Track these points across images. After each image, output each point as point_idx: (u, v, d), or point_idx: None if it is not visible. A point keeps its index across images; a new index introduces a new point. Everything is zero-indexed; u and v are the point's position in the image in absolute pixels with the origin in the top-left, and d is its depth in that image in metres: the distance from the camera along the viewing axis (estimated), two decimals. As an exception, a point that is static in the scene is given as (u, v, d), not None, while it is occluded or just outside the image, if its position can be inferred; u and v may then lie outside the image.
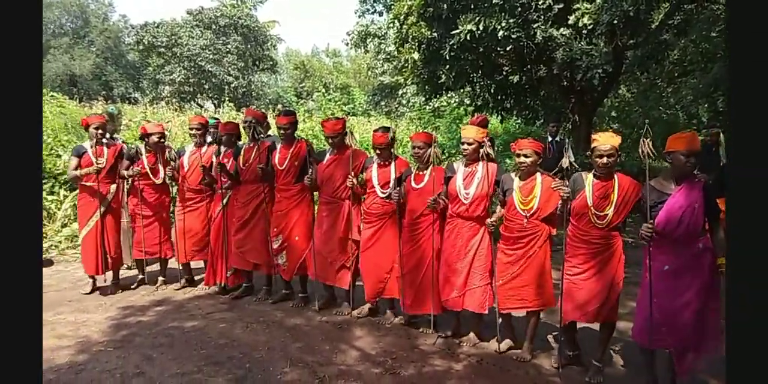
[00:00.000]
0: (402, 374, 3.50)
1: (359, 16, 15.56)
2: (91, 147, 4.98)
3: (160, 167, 5.16)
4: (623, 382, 3.50)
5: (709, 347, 3.10)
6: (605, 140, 3.22)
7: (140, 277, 5.48)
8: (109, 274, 5.23)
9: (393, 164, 4.25)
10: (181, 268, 5.41)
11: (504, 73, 9.38)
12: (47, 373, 3.42)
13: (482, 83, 9.66)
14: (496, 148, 4.15)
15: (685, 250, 3.04)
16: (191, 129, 5.27)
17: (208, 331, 4.20)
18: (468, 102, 12.25)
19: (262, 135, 4.80)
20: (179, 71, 25.28)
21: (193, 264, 5.53)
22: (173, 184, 5.32)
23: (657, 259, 3.09)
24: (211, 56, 25.37)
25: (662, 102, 13.47)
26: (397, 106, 22.00)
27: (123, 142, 5.66)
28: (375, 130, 4.32)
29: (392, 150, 4.33)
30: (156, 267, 5.64)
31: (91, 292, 5.19)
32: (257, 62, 28.13)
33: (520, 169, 3.62)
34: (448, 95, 14.48)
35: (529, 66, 9.07)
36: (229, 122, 5.22)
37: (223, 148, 5.02)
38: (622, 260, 3.39)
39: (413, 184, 4.10)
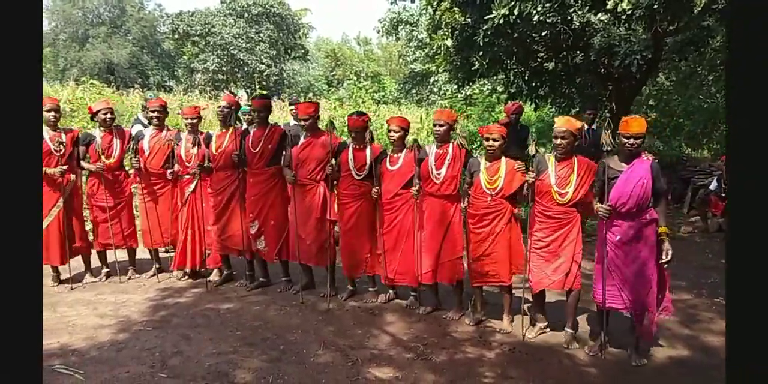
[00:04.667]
0: (434, 360, 3.52)
1: (391, 3, 15.40)
2: (48, 132, 4.70)
3: (116, 146, 4.95)
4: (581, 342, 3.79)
5: (660, 306, 3.55)
6: (560, 123, 3.61)
7: (105, 270, 5.22)
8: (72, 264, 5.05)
9: (368, 148, 4.40)
10: (150, 255, 5.36)
11: (539, 59, 9.19)
12: (91, 350, 3.56)
13: (516, 70, 9.48)
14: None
15: (634, 222, 3.41)
16: (152, 112, 5.11)
17: (243, 313, 4.29)
18: (501, 89, 12.07)
19: (237, 123, 4.90)
20: (213, 60, 25.58)
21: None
22: (136, 167, 5.07)
23: (611, 231, 3.48)
24: (243, 45, 25.57)
25: (703, 90, 13.03)
26: (428, 94, 21.86)
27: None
28: (350, 115, 4.52)
29: (370, 134, 4.47)
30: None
31: (60, 284, 5.02)
32: (289, 50, 28.25)
33: (488, 151, 3.93)
34: (481, 83, 14.31)
35: (565, 52, 8.86)
36: (193, 106, 5.15)
37: (186, 135, 4.99)
38: (581, 233, 3.75)
39: (388, 166, 4.32)
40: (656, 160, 3.52)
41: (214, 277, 5.17)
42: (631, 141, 3.35)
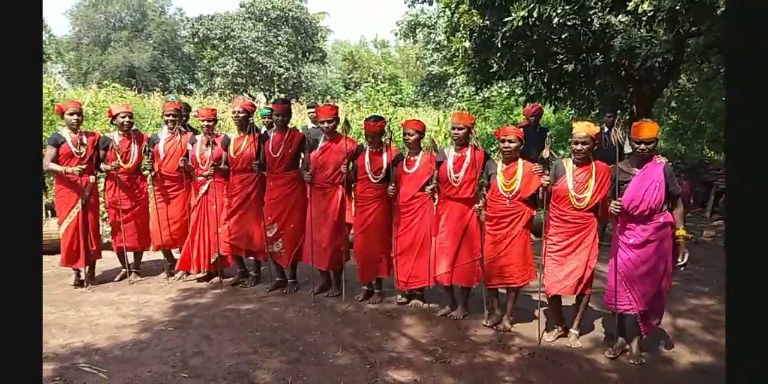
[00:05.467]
0: (452, 364, 3.51)
1: (409, 6, 15.44)
2: (69, 135, 4.77)
3: (134, 150, 5.02)
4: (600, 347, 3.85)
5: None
6: (580, 129, 3.58)
7: (123, 270, 5.29)
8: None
9: (385, 152, 4.43)
10: (163, 257, 5.40)
11: (558, 61, 9.14)
12: (114, 349, 3.62)
13: (535, 72, 9.43)
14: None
15: (648, 225, 3.41)
16: (167, 116, 5.14)
17: (263, 314, 4.32)
18: (519, 92, 12.03)
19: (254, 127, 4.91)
20: (232, 63, 25.87)
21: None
22: (150, 172, 5.15)
23: (624, 234, 3.50)
24: (262, 48, 25.83)
25: (725, 92, 12.85)
26: (446, 96, 21.86)
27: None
28: (366, 119, 4.54)
29: (387, 138, 4.49)
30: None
31: (80, 284, 5.01)
32: (307, 54, 28.46)
33: (505, 153, 3.93)
34: (499, 85, 14.27)
35: (584, 54, 8.79)
36: (209, 108, 5.11)
37: (201, 137, 5.02)
38: (596, 239, 3.74)
39: (405, 169, 4.34)
40: (670, 163, 3.51)
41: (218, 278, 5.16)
42: (642, 146, 3.37)
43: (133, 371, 3.30)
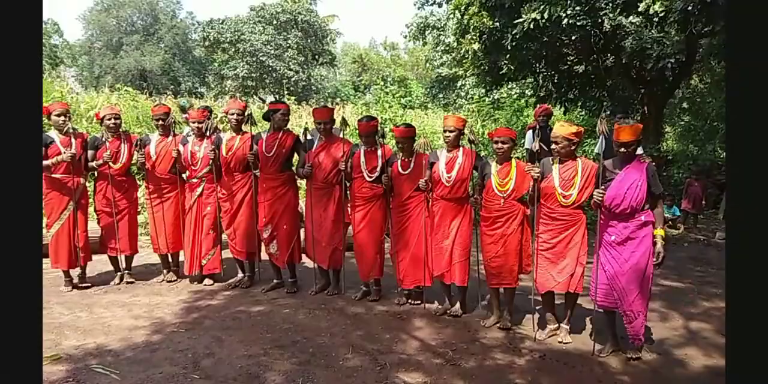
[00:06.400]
0: (463, 366, 3.50)
1: (418, 8, 15.46)
2: (58, 136, 4.72)
3: (123, 151, 4.97)
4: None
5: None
6: (556, 129, 3.70)
7: (119, 273, 5.25)
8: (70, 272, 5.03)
9: (379, 151, 4.51)
10: (160, 260, 5.38)
11: (569, 62, 9.13)
12: (126, 351, 3.64)
13: (545, 73, 9.42)
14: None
15: (629, 222, 3.48)
16: (157, 120, 5.07)
17: (273, 316, 4.34)
18: (529, 93, 12.00)
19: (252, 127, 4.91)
20: (242, 66, 26.00)
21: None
22: (142, 174, 5.05)
23: (606, 232, 3.58)
24: (272, 51, 25.92)
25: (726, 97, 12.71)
26: (455, 98, 21.81)
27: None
28: (360, 120, 4.60)
29: (377, 137, 4.55)
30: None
31: (73, 288, 5.00)
32: (317, 56, 28.54)
33: (497, 154, 4.00)
34: (509, 86, 14.23)
35: (595, 55, 8.77)
36: (200, 110, 5.10)
37: (193, 138, 5.00)
38: (586, 236, 3.79)
39: (400, 170, 4.39)
40: (653, 163, 3.58)
41: (209, 281, 5.19)
42: (622, 149, 3.47)
43: (145, 372, 3.33)
